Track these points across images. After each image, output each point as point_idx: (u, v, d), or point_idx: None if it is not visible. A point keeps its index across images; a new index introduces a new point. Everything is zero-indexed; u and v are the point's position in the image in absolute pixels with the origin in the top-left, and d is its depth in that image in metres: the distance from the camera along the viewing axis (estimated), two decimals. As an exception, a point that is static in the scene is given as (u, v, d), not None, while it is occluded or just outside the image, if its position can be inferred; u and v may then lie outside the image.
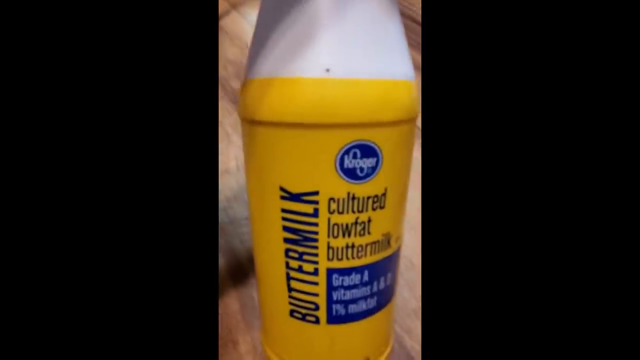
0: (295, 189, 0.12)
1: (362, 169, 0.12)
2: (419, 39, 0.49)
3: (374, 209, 0.12)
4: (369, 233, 0.13)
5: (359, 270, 0.13)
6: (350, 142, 0.11)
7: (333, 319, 0.14)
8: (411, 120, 0.12)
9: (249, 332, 0.20)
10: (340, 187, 0.12)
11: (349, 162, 0.11)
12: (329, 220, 0.12)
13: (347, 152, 0.11)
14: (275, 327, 0.16)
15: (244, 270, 0.25)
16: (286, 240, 0.13)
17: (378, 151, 0.11)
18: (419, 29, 0.52)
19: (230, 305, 0.22)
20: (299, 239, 0.13)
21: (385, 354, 0.16)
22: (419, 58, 0.45)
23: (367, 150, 0.11)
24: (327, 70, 0.11)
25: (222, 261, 0.23)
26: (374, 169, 0.12)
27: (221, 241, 0.24)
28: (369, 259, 0.13)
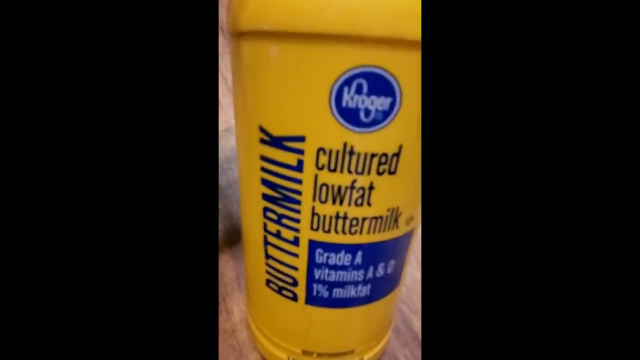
0: (276, 130, 0.09)
1: (367, 112, 0.08)
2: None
3: (379, 173, 0.09)
4: (368, 204, 0.09)
5: (350, 249, 0.10)
6: (353, 68, 0.08)
7: (313, 299, 0.11)
8: None
9: (244, 301, 0.19)
10: (334, 134, 0.08)
11: (349, 99, 0.08)
12: (316, 178, 0.09)
13: (347, 82, 0.08)
14: (253, 295, 0.14)
15: (241, 237, 0.24)
16: (265, 197, 0.10)
17: (395, 86, 0.08)
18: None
19: (226, 273, 0.21)
20: (278, 198, 0.10)
21: (376, 350, 0.14)
22: None
23: (379, 83, 0.08)
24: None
25: (219, 226, 0.22)
26: (386, 113, 0.08)
27: (219, 205, 0.22)
28: (365, 238, 0.10)
